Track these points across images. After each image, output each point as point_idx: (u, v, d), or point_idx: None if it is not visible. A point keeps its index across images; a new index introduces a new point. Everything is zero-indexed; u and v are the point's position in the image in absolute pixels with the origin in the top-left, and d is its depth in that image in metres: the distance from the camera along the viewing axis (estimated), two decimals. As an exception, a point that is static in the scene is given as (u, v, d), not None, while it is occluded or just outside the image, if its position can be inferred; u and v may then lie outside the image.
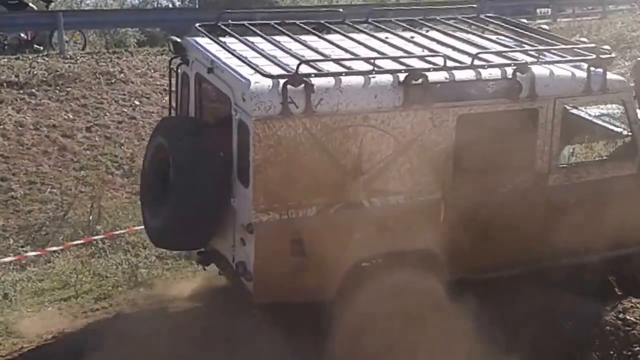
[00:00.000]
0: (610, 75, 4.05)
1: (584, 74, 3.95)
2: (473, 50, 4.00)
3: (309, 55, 3.75)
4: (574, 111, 4.41)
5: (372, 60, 3.61)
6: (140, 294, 4.75)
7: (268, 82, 3.37)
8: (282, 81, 3.34)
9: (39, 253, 5.20)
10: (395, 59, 3.76)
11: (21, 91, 7.88)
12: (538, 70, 3.85)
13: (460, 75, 3.69)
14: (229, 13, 4.38)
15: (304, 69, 3.41)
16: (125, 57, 9.31)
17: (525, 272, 3.94)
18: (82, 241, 5.40)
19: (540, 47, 4.14)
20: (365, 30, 4.42)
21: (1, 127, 7.17)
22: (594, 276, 4.04)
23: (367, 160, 3.52)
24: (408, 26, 4.54)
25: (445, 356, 3.52)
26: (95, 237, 5.44)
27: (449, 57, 3.75)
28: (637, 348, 3.61)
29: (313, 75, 3.41)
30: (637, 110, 4.27)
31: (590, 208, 4.00)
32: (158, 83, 8.43)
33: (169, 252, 5.06)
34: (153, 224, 3.82)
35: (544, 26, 5.20)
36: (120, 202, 6.23)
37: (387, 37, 4.27)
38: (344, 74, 3.49)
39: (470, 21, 4.68)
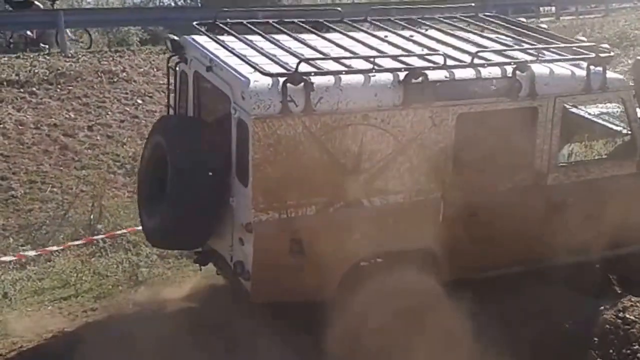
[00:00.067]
0: (609, 74, 4.02)
1: (583, 73, 3.92)
2: (473, 48, 3.96)
3: (309, 53, 3.70)
4: (574, 110, 4.37)
5: (372, 59, 3.56)
6: (140, 293, 4.70)
7: (268, 80, 3.32)
8: (281, 80, 3.30)
9: (39, 253, 5.15)
10: (395, 57, 3.71)
11: (22, 90, 7.82)
12: (538, 69, 3.82)
13: (460, 73, 3.66)
14: (227, 11, 4.32)
15: (304, 67, 3.37)
16: (128, 55, 9.25)
17: (524, 271, 3.90)
18: (82, 241, 5.34)
19: (540, 46, 4.10)
20: (365, 28, 4.37)
21: (1, 126, 7.11)
22: (594, 275, 3.99)
23: (366, 159, 3.48)
24: (407, 25, 4.49)
25: (445, 356, 3.48)
26: (96, 237, 5.38)
27: (449, 56, 3.70)
28: (637, 346, 3.58)
29: (313, 73, 3.37)
30: (637, 109, 4.23)
31: (590, 207, 3.96)
32: (161, 82, 8.35)
33: (170, 251, 5.00)
34: (150, 223, 3.77)
35: (543, 25, 5.17)
36: (122, 201, 6.17)
37: (386, 36, 4.23)
38: (343, 73, 3.45)
39: (470, 20, 4.63)
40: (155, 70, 8.78)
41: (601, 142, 4.93)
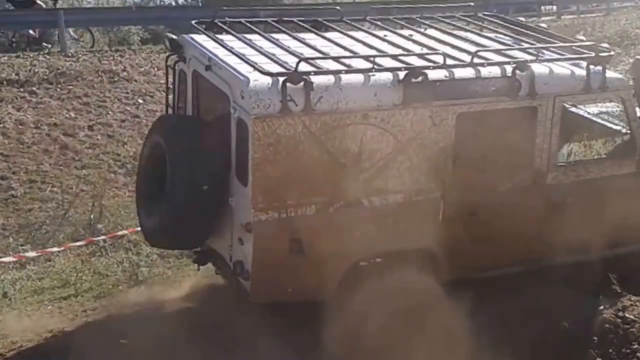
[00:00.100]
0: (609, 73, 4.00)
1: (583, 72, 3.89)
2: (472, 48, 3.93)
3: (308, 53, 3.67)
4: (573, 109, 4.35)
5: (371, 58, 3.53)
6: (140, 293, 4.67)
7: (267, 79, 3.29)
8: (281, 79, 3.27)
9: (39, 254, 5.11)
10: (394, 56, 3.68)
11: (22, 89, 7.77)
12: (537, 68, 3.79)
13: (459, 73, 3.63)
14: (227, 10, 4.29)
15: (304, 66, 3.34)
16: (128, 55, 9.20)
17: (524, 270, 3.87)
18: (83, 242, 5.30)
19: (540, 45, 4.07)
20: (364, 28, 4.34)
21: (1, 125, 7.06)
22: (593, 274, 3.97)
23: (366, 158, 3.45)
24: (406, 24, 4.46)
25: (444, 355, 3.46)
26: (97, 238, 5.34)
27: (448, 55, 3.67)
28: (636, 346, 3.55)
29: (312, 73, 3.34)
30: (637, 108, 4.20)
31: (589, 206, 3.94)
32: (162, 81, 8.28)
33: (170, 250, 4.97)
34: (149, 222, 3.73)
35: (542, 24, 5.14)
36: (123, 200, 6.12)
37: (385, 35, 4.20)
38: (343, 72, 3.42)
39: (469, 19, 4.61)
40: (156, 69, 8.72)
41: (600, 141, 4.90)
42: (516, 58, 3.82)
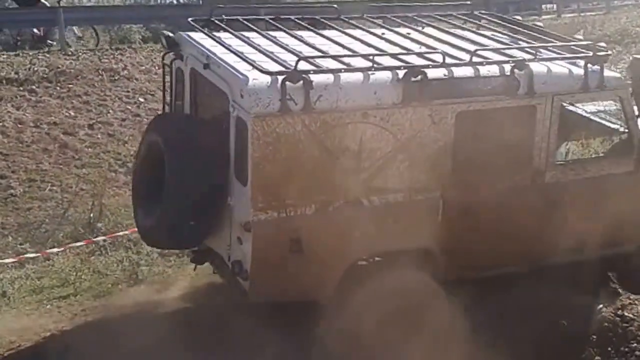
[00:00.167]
0: (607, 72, 3.94)
1: (581, 71, 3.84)
2: (470, 47, 3.87)
3: (306, 51, 3.61)
4: (571, 108, 4.30)
5: (371, 57, 3.46)
6: (140, 292, 4.59)
7: (266, 78, 3.22)
8: (280, 78, 3.20)
9: (38, 254, 5.02)
10: (394, 55, 3.61)
11: (21, 88, 7.67)
12: (536, 67, 3.73)
13: (459, 72, 3.57)
14: (224, 8, 4.21)
15: (303, 65, 3.27)
16: (129, 53, 9.10)
17: (523, 269, 3.81)
18: (82, 243, 5.21)
19: (538, 44, 4.02)
20: (361, 26, 4.27)
21: (1, 124, 6.96)
22: (592, 273, 3.92)
23: (366, 157, 3.39)
24: (404, 22, 4.40)
25: (443, 355, 3.40)
26: (97, 239, 5.25)
27: (447, 54, 3.61)
28: (635, 344, 3.52)
29: (312, 71, 3.27)
30: (634, 107, 4.15)
31: (587, 205, 3.88)
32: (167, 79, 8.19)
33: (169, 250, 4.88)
34: (146, 222, 3.65)
35: (539, 23, 5.09)
36: (123, 199, 6.02)
37: (383, 33, 4.14)
38: (342, 71, 3.35)
39: (466, 18, 4.55)
40: (157, 68, 8.59)
41: (598, 140, 4.86)
42: (514, 57, 3.76)
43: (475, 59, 3.62)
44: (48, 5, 9.99)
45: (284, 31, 3.96)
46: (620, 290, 3.85)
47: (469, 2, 4.84)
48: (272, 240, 3.29)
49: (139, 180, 3.87)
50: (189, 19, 3.93)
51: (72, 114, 7.46)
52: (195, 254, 4.00)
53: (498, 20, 4.57)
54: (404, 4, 5.78)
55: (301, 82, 3.20)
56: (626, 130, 4.15)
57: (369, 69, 3.39)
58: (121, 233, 5.31)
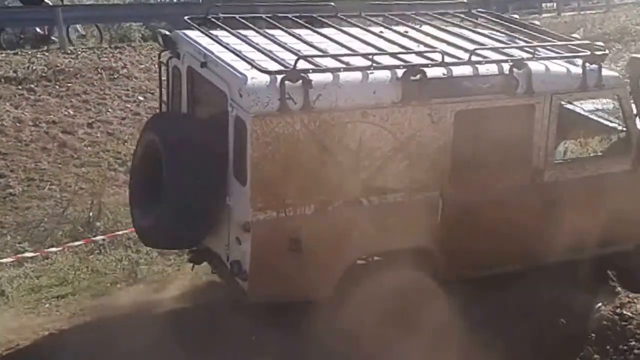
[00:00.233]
0: (605, 71, 3.90)
1: (579, 70, 3.80)
2: (469, 45, 3.82)
3: (304, 49, 3.54)
4: (569, 107, 4.25)
5: (370, 56, 3.40)
6: (139, 291, 4.52)
7: (265, 77, 3.15)
8: (279, 77, 3.13)
9: (37, 253, 4.94)
10: (393, 54, 3.55)
11: (20, 87, 7.58)
12: (534, 66, 3.69)
13: (458, 71, 3.51)
14: (220, 6, 4.13)
15: (302, 64, 3.20)
16: (128, 52, 9.00)
17: (522, 268, 3.77)
18: (81, 242, 5.14)
19: (536, 44, 3.97)
20: (359, 24, 4.21)
21: (-1, 123, 6.90)
22: (591, 271, 3.88)
23: (365, 157, 3.33)
24: (401, 20, 4.34)
25: (442, 354, 3.36)
26: (96, 238, 5.17)
27: (446, 53, 3.56)
28: (633, 342, 3.47)
29: (311, 70, 3.20)
30: (632, 106, 4.10)
31: (585, 204, 3.83)
32: (162, 78, 8.10)
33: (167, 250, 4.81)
34: (144, 222, 3.58)
35: (536, 22, 5.04)
36: (122, 198, 5.92)
37: (381, 32, 4.08)
38: (342, 70, 3.29)
39: (463, 16, 4.49)
40: (156, 66, 8.42)
41: (596, 139, 4.81)
42: (513, 56, 3.71)
43: (474, 58, 3.56)
44: (50, 4, 9.90)
45: (282, 29, 3.90)
46: (619, 289, 3.80)
47: (465, 1, 4.78)
48: (271, 240, 3.24)
49: (136, 180, 3.80)
50: (186, 17, 3.85)
51: (71, 112, 7.38)
52: (193, 254, 3.94)
53: (495, 18, 4.52)
54: (402, 2, 5.71)
55: (300, 81, 3.14)
56: (624, 129, 4.11)
57: (368, 68, 3.33)
58: (120, 232, 5.22)
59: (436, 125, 3.45)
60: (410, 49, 3.71)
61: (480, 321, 3.49)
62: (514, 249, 3.71)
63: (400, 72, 3.35)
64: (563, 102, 3.92)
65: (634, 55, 5.19)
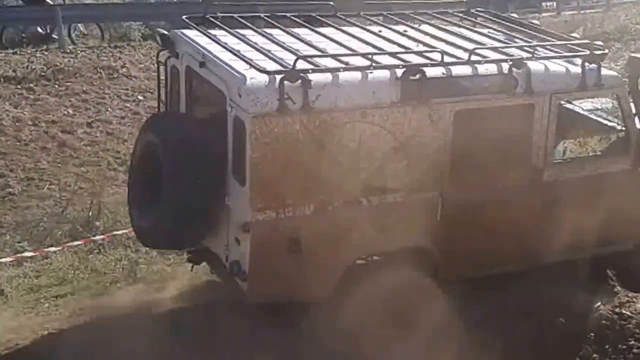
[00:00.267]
0: (604, 71, 3.88)
1: (578, 70, 3.78)
2: (468, 45, 3.79)
3: (303, 49, 3.51)
4: (568, 106, 4.23)
5: (369, 56, 3.37)
6: (138, 290, 4.50)
7: (264, 77, 3.12)
8: (278, 77, 3.10)
9: (36, 253, 4.91)
10: (392, 54, 3.53)
11: (19, 86, 7.54)
12: (534, 65, 3.66)
13: (457, 70, 3.49)
14: (223, 5, 4.10)
15: (301, 64, 3.17)
16: (128, 51, 8.96)
17: (521, 268, 3.75)
18: (81, 241, 5.11)
19: (535, 43, 3.95)
20: (358, 23, 4.18)
21: (-1, 122, 6.86)
22: (590, 271, 3.86)
23: (364, 157, 3.31)
24: (400, 20, 4.31)
25: (442, 353, 3.34)
26: (95, 237, 5.14)
27: (445, 53, 3.53)
28: (632, 342, 3.45)
29: (310, 70, 3.18)
30: (631, 105, 4.08)
31: (585, 204, 3.81)
32: (162, 78, 8.05)
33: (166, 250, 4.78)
34: (143, 222, 3.55)
35: (536, 21, 5.02)
36: (122, 198, 5.87)
37: (380, 31, 4.05)
38: (341, 70, 3.26)
39: (462, 15, 4.46)
40: (155, 66, 8.47)
41: (596, 138, 4.79)
42: (512, 55, 3.69)
43: (473, 58, 3.54)
44: (51, 2, 9.86)
45: (281, 29, 3.87)
46: (618, 288, 3.78)
47: (465, 0, 4.75)
48: (271, 240, 3.21)
49: (134, 180, 3.77)
50: (183, 17, 3.81)
51: (71, 112, 7.34)
52: (192, 254, 3.92)
53: (494, 18, 4.50)
54: (401, 1, 5.68)
55: (299, 81, 3.11)
56: (623, 128, 4.09)
57: (367, 67, 3.30)
58: (120, 231, 5.19)
59: (435, 125, 3.43)
60: (410, 49, 3.69)
61: (479, 321, 3.48)
62: (513, 249, 3.70)
63: (399, 72, 3.32)
64: (562, 102, 3.90)
65: (633, 54, 5.17)
